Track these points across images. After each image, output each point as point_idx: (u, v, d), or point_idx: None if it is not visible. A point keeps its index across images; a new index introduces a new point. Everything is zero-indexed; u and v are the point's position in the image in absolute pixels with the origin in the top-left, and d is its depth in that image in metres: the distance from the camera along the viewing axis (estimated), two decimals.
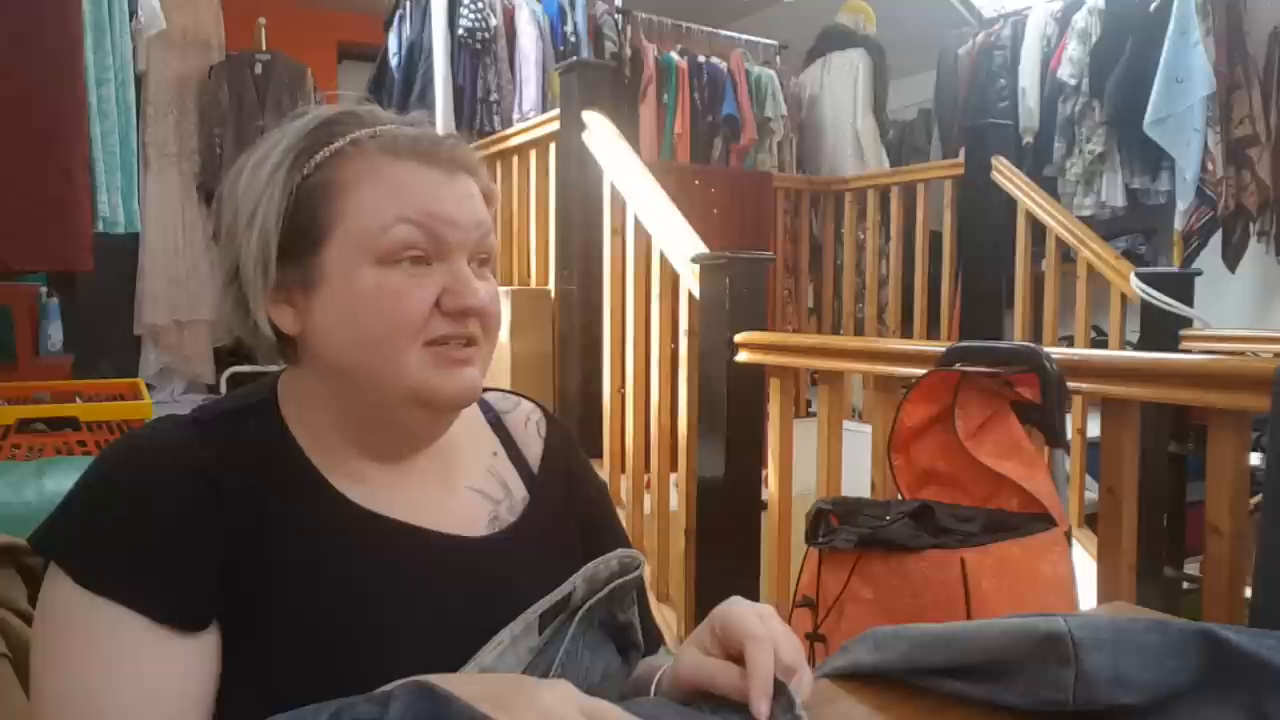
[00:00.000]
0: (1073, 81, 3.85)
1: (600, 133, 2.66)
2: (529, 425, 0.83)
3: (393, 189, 0.66)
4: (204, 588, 0.61)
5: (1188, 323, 2.77)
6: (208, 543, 0.61)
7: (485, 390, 0.83)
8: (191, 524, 0.61)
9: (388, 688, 0.53)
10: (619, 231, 2.60)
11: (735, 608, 0.64)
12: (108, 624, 0.58)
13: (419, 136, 0.68)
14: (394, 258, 0.65)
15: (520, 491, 0.78)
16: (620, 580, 0.69)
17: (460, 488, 0.75)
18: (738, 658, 0.62)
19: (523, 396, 0.86)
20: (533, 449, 0.82)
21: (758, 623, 0.62)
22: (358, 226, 0.65)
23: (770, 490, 2.02)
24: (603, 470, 2.63)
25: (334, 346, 0.67)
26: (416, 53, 3.78)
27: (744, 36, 4.59)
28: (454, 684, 0.53)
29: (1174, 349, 2.69)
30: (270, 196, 0.66)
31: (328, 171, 0.66)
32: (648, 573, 2.39)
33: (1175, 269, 3.33)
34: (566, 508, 0.81)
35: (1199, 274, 2.85)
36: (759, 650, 0.60)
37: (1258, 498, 1.10)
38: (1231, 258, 3.61)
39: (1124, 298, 2.96)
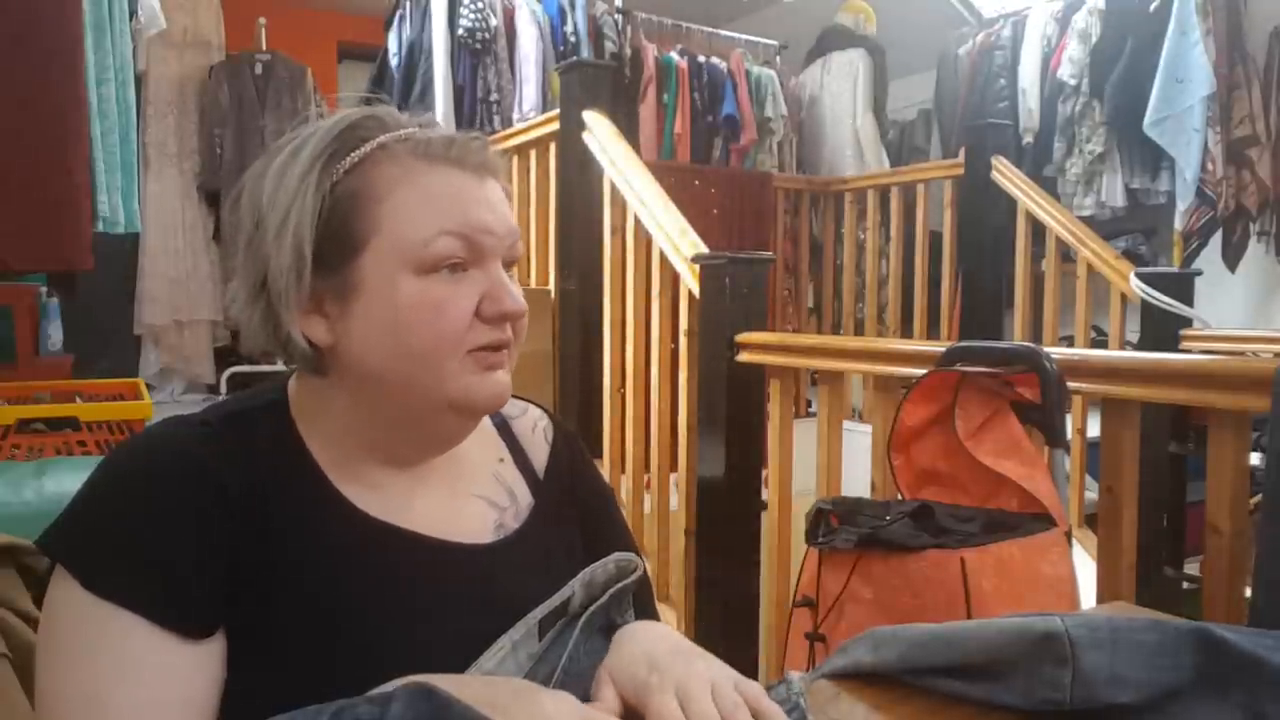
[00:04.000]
0: (1073, 81, 3.85)
1: (600, 133, 2.66)
2: (536, 431, 0.83)
3: (430, 198, 0.65)
4: (210, 594, 0.61)
5: (1188, 323, 2.77)
6: (214, 548, 0.61)
7: None
8: (199, 529, 0.61)
9: (388, 689, 0.53)
10: (619, 231, 2.60)
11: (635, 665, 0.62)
12: (113, 628, 0.58)
13: (451, 140, 0.67)
14: (434, 268, 0.65)
15: (526, 498, 0.78)
16: (619, 585, 0.69)
17: (467, 495, 0.75)
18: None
19: (530, 402, 0.86)
20: (539, 455, 0.82)
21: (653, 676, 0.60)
22: (397, 236, 0.64)
23: (770, 490, 2.02)
24: (602, 470, 2.62)
25: (373, 357, 0.66)
26: (416, 53, 3.78)
27: (744, 36, 4.59)
28: (455, 686, 0.53)
29: (1174, 349, 2.69)
30: (301, 205, 0.64)
31: (359, 178, 0.65)
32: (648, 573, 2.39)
33: (1175, 269, 3.33)
34: (571, 513, 0.81)
35: (1199, 274, 2.85)
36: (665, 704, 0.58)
37: (1258, 498, 1.10)
38: (1231, 258, 3.62)
39: (1124, 298, 2.96)
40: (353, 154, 0.65)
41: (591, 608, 0.68)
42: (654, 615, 0.79)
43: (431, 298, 0.64)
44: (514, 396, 0.84)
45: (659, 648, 0.64)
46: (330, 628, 0.63)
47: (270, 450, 0.67)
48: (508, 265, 0.69)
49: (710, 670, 0.61)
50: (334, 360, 0.67)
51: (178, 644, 0.59)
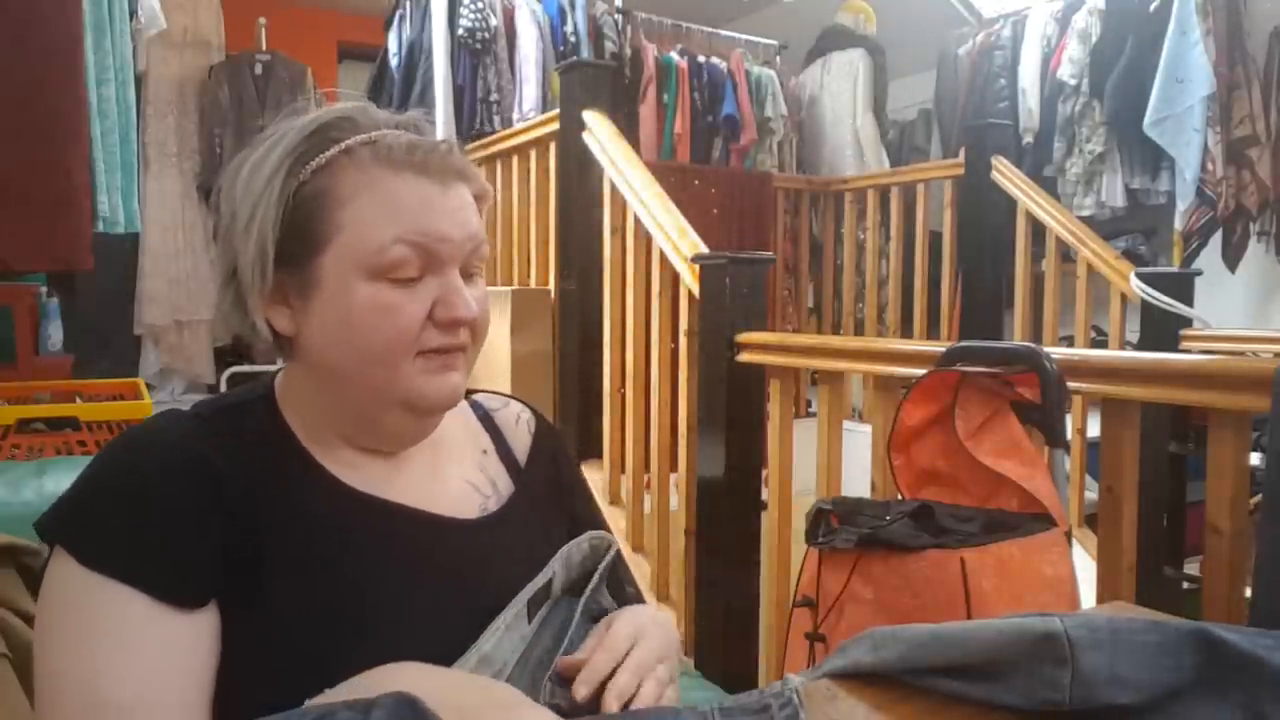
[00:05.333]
0: (1073, 81, 3.85)
1: (600, 133, 2.66)
2: (519, 423, 0.87)
3: (389, 206, 0.67)
4: (203, 567, 0.62)
5: (1188, 323, 2.77)
6: (207, 525, 0.63)
7: (476, 392, 0.87)
8: (191, 507, 0.63)
9: (373, 681, 0.54)
10: (619, 231, 2.60)
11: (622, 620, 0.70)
12: (109, 601, 0.60)
13: (414, 145, 0.69)
14: (387, 273, 0.67)
15: (508, 486, 0.81)
16: (603, 564, 0.73)
17: (450, 477, 0.78)
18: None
19: (512, 398, 0.89)
20: (521, 444, 0.85)
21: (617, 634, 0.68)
22: (354, 241, 0.67)
23: (770, 490, 2.02)
24: (603, 470, 2.63)
25: (327, 350, 0.69)
26: (416, 53, 3.78)
27: (744, 36, 4.59)
28: (440, 688, 0.54)
29: (1174, 349, 2.69)
30: (268, 202, 0.67)
31: (324, 180, 0.67)
32: (648, 572, 2.40)
33: (1175, 269, 3.32)
34: (554, 500, 0.84)
35: (1199, 274, 2.84)
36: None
37: (1258, 498, 1.10)
38: (1231, 258, 3.61)
39: (1124, 298, 2.96)
40: (320, 156, 0.68)
41: (586, 593, 0.71)
42: (634, 588, 0.83)
43: (383, 302, 0.67)
44: (495, 393, 0.90)
45: (646, 615, 0.72)
46: (320, 598, 0.65)
47: (259, 437, 0.70)
48: (470, 271, 0.72)
49: (654, 657, 0.67)
50: (297, 348, 0.71)
51: (174, 616, 0.61)
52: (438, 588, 0.69)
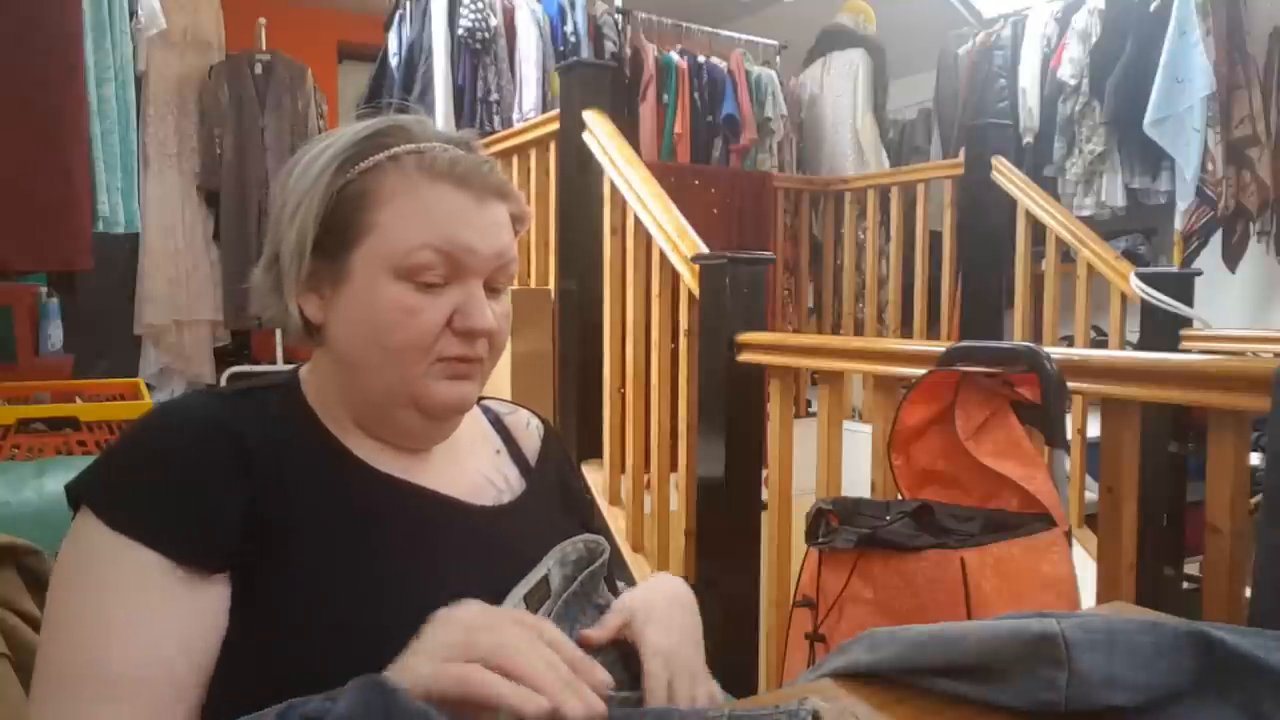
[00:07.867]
0: (1073, 81, 3.84)
1: (600, 133, 2.66)
2: (529, 428, 0.91)
3: (423, 212, 0.70)
4: (224, 534, 0.64)
5: (1188, 323, 2.77)
6: (232, 492, 0.65)
7: (484, 399, 0.90)
8: (216, 475, 0.65)
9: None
10: (619, 231, 2.60)
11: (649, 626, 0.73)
12: (127, 561, 0.62)
13: (457, 160, 0.72)
14: (413, 276, 0.70)
15: (520, 484, 0.84)
16: (591, 568, 0.75)
17: (468, 470, 0.80)
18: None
19: (520, 406, 0.94)
20: (530, 446, 0.89)
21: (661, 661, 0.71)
22: (386, 241, 0.70)
23: (770, 490, 2.02)
24: (603, 470, 2.63)
25: (349, 341, 0.72)
26: (416, 53, 3.78)
27: (744, 36, 4.59)
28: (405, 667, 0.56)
29: (1174, 349, 2.69)
30: (313, 197, 0.71)
31: (368, 181, 0.71)
32: (648, 572, 2.39)
33: (1175, 269, 3.32)
34: (564, 502, 0.88)
35: (1199, 274, 2.84)
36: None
37: (1258, 498, 1.10)
38: (1231, 258, 3.61)
39: (1124, 298, 2.96)
40: (369, 159, 0.71)
41: (568, 590, 0.73)
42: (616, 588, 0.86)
43: (405, 303, 0.70)
44: (503, 400, 0.94)
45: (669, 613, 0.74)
46: (340, 568, 0.67)
47: (284, 417, 0.73)
48: (494, 286, 0.74)
49: (693, 683, 0.71)
50: (323, 336, 0.74)
51: (186, 581, 0.62)
52: (455, 566, 0.71)
